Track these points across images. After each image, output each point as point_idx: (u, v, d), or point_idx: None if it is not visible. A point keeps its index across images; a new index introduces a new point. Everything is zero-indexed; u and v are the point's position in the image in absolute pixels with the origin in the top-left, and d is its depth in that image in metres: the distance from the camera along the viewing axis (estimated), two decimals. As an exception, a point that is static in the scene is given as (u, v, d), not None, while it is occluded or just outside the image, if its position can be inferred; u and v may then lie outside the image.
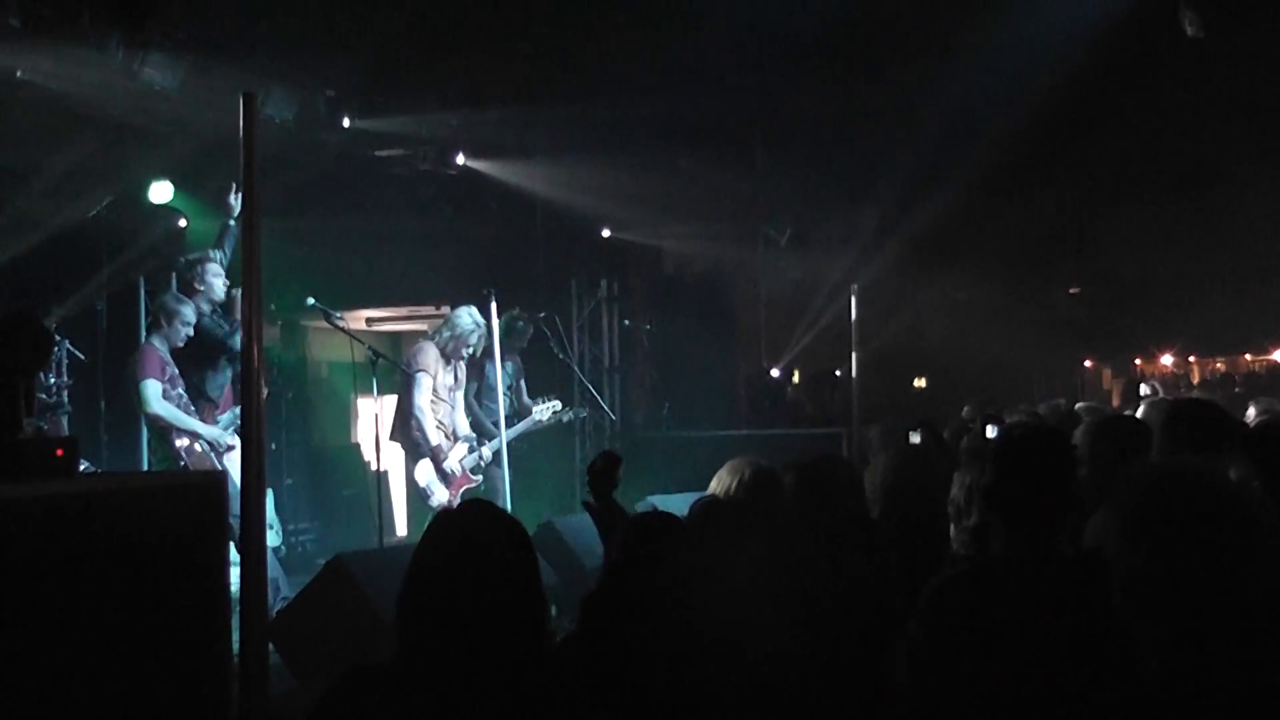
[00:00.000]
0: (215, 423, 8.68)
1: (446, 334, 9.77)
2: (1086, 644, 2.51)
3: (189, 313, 8.70)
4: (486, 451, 9.82)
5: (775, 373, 14.42)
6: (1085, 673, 2.47)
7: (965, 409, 8.84)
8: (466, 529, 2.83)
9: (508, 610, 2.69)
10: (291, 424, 12.51)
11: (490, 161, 12.41)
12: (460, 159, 12.21)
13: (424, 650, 2.67)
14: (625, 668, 3.05)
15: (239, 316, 8.62)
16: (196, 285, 8.85)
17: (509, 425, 9.92)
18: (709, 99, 11.71)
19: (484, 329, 9.75)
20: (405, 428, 9.76)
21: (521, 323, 10.75)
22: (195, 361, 8.77)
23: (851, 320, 9.93)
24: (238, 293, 8.71)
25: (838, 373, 12.94)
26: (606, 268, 14.50)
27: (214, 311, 8.87)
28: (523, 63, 10.91)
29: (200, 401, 8.76)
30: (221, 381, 8.97)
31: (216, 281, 8.90)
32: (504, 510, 3.01)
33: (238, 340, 8.57)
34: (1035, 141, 11.92)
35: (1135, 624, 2.37)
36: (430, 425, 9.58)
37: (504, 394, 9.83)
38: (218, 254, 9.02)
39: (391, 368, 9.97)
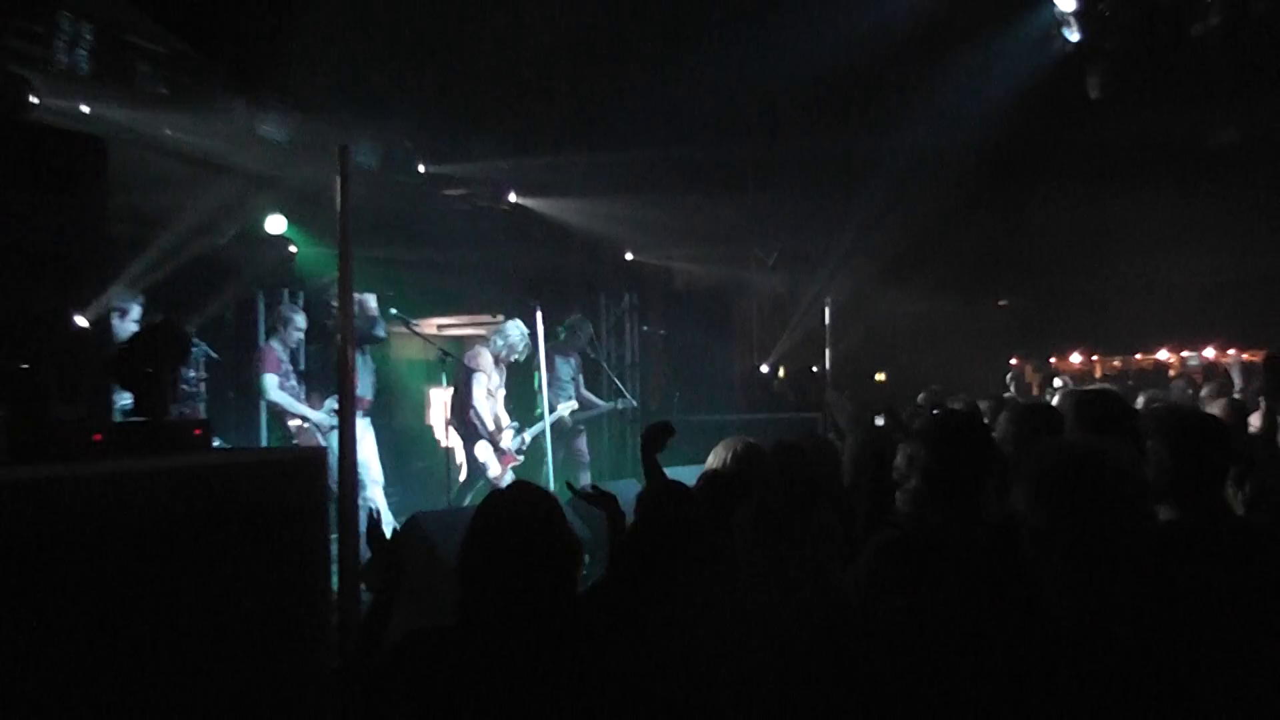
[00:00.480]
0: (320, 408, 8.72)
1: (499, 342, 9.80)
2: (1002, 594, 2.50)
3: (300, 320, 8.74)
4: (528, 435, 9.85)
5: (765, 368, 14.41)
6: (1002, 619, 2.46)
7: (920, 396, 8.84)
8: (509, 506, 2.84)
9: (541, 567, 2.69)
10: (377, 409, 12.48)
11: (535, 198, 12.44)
12: (511, 196, 12.23)
13: (477, 597, 2.69)
14: (645, 608, 3.01)
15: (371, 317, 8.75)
16: (333, 302, 8.91)
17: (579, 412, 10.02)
18: (710, 146, 11.72)
19: (528, 340, 9.79)
20: (464, 416, 9.78)
21: (579, 325, 10.74)
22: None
23: (825, 325, 9.94)
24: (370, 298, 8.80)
25: (814, 368, 12.94)
26: (628, 284, 14.49)
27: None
28: (561, 118, 10.93)
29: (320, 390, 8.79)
30: (366, 379, 8.94)
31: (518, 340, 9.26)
32: (540, 488, 3.02)
33: (380, 331, 8.88)
34: (973, 182, 11.92)
35: (1043, 576, 2.35)
36: (487, 415, 9.62)
37: (569, 383, 9.87)
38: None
39: (455, 365, 10.02)
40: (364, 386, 8.85)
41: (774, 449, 4.64)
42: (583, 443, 10.68)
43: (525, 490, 2.94)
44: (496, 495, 2.92)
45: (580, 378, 10.78)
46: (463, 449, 9.93)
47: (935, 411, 5.62)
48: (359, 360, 8.87)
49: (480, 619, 2.66)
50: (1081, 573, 2.26)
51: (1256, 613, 2.54)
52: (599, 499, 4.34)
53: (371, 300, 8.91)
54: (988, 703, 2.33)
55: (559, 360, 10.10)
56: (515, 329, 9.76)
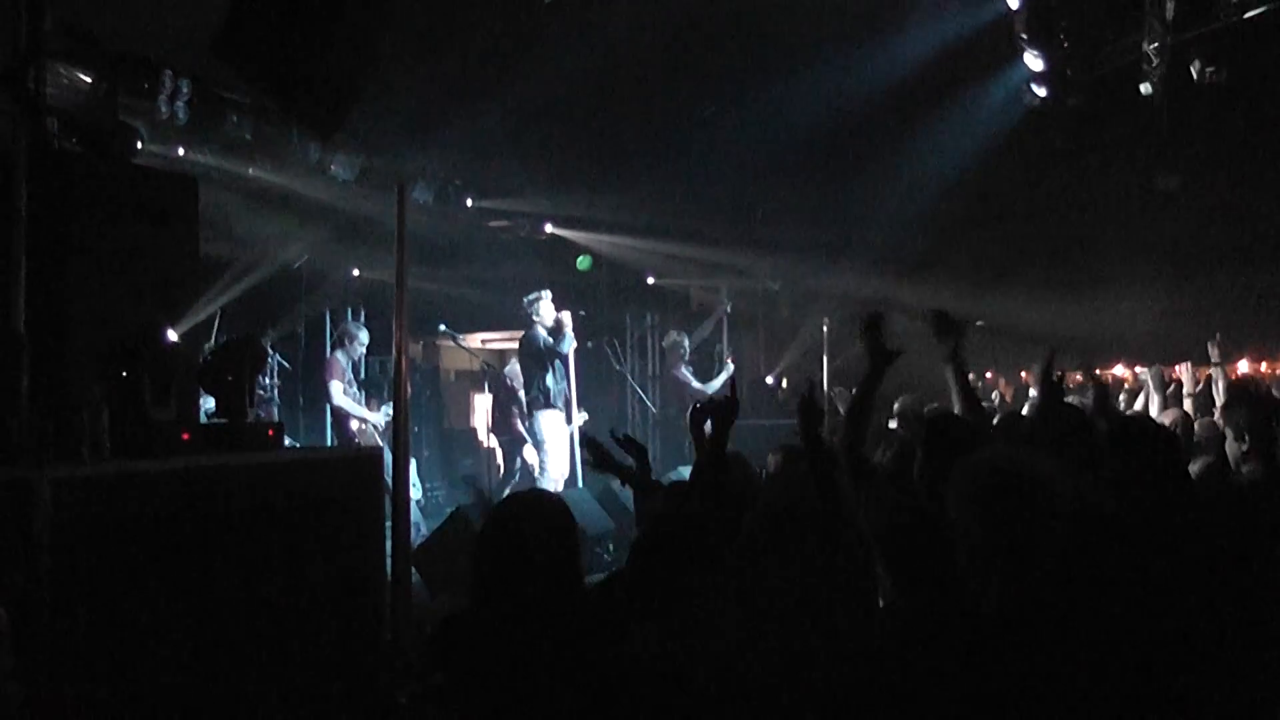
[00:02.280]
0: (378, 412, 8.75)
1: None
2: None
3: (363, 335, 8.75)
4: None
5: (770, 379, 14.41)
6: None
7: (900, 401, 8.86)
8: (514, 509, 2.82)
9: (543, 566, 2.66)
10: (428, 413, 12.60)
11: (570, 230, 12.50)
12: (549, 228, 12.30)
13: (485, 593, 2.68)
14: (655, 601, 2.78)
15: (566, 331, 8.62)
16: (534, 316, 8.86)
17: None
18: (721, 185, 11.74)
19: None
20: (509, 422, 9.75)
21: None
22: (538, 366, 8.73)
23: (824, 341, 9.95)
24: (565, 315, 8.75)
25: (813, 380, 12.88)
26: (650, 304, 14.55)
27: (548, 331, 8.81)
28: (593, 161, 10.99)
29: (539, 399, 8.74)
30: (559, 388, 8.81)
31: (548, 309, 8.92)
32: (546, 494, 2.97)
33: (564, 346, 8.69)
34: (960, 211, 11.99)
35: (972, 574, 2.27)
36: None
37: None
38: (547, 293, 9.00)
39: (498, 375, 10.01)
40: (555, 390, 8.78)
41: (780, 453, 4.46)
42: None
43: (526, 498, 2.91)
44: (504, 503, 2.89)
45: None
46: (502, 453, 9.88)
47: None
48: (554, 367, 8.81)
49: (486, 608, 2.65)
50: (1006, 570, 2.21)
51: (1187, 608, 2.50)
52: (630, 446, 4.14)
53: (566, 317, 8.77)
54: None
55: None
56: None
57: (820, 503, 3.11)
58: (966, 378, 4.17)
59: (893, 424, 6.25)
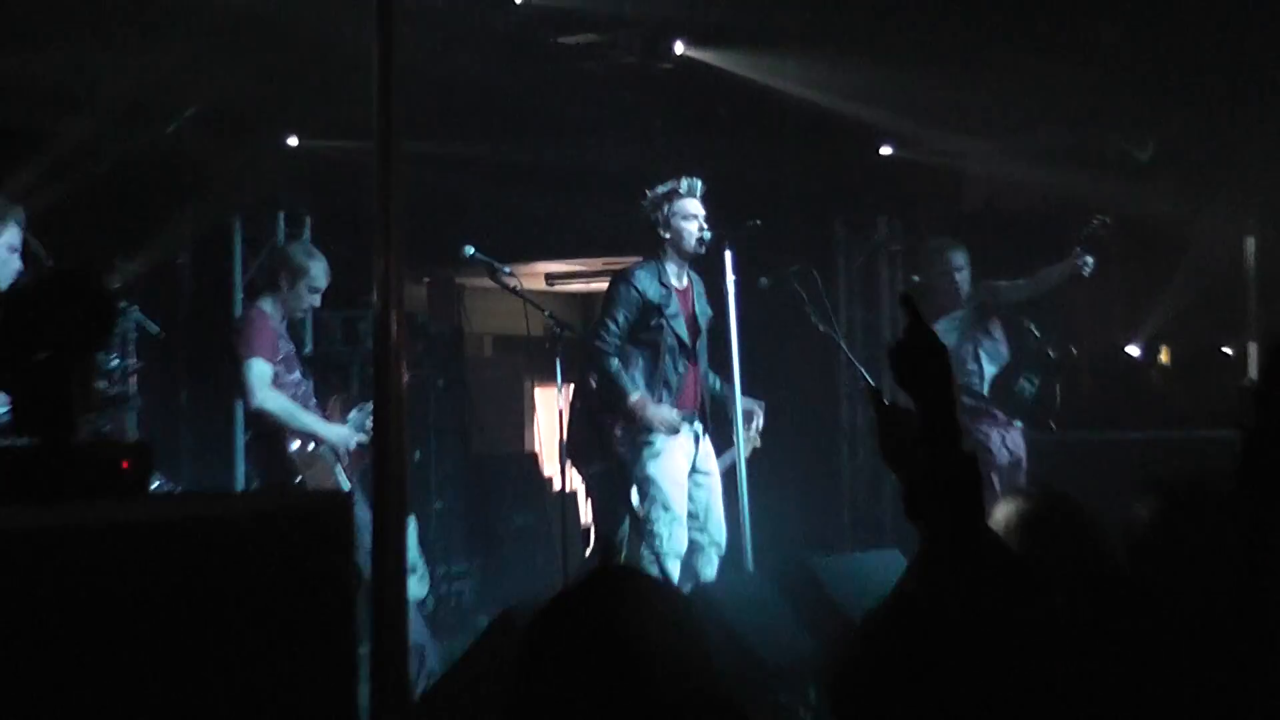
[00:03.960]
0: (338, 417, 8.83)
1: None
2: None
3: (316, 269, 8.82)
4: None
5: (1133, 349, 14.19)
6: None
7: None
8: (587, 616, 3.03)
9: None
10: (443, 425, 12.74)
11: (719, 50, 12.48)
12: (679, 47, 12.26)
13: None
14: None
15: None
16: (663, 231, 9.28)
17: None
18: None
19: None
20: (603, 439, 9.75)
21: (801, 278, 10.72)
22: (649, 334, 9.23)
23: (1249, 275, 9.73)
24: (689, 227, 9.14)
25: (1225, 349, 12.66)
26: (885, 201, 14.41)
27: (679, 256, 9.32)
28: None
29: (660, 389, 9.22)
30: (682, 375, 9.33)
31: (690, 226, 9.31)
32: (655, 584, 3.20)
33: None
34: None
35: None
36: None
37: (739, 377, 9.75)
38: (690, 183, 9.35)
39: (577, 345, 9.96)
40: (678, 380, 9.26)
41: (1150, 490, 4.49)
42: None
43: (633, 589, 3.12)
44: (562, 603, 3.10)
45: None
46: (590, 501, 9.89)
47: None
48: (677, 338, 9.25)
49: None
50: None
51: None
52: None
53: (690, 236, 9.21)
54: None
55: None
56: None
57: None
58: None
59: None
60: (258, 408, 8.61)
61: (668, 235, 9.16)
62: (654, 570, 8.58)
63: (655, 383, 9.12)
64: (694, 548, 9.21)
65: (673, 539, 8.96)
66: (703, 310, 9.51)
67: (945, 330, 10.81)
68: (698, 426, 9.41)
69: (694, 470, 9.34)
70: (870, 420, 12.15)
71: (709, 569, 9.30)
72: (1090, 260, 11.03)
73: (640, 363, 9.15)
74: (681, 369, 9.26)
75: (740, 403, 9.57)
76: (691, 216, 9.20)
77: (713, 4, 11.78)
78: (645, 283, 9.18)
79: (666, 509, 9.04)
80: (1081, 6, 12.13)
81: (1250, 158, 12.88)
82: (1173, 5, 11.03)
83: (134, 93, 10.02)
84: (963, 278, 10.98)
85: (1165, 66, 12.71)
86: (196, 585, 4.31)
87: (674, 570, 8.86)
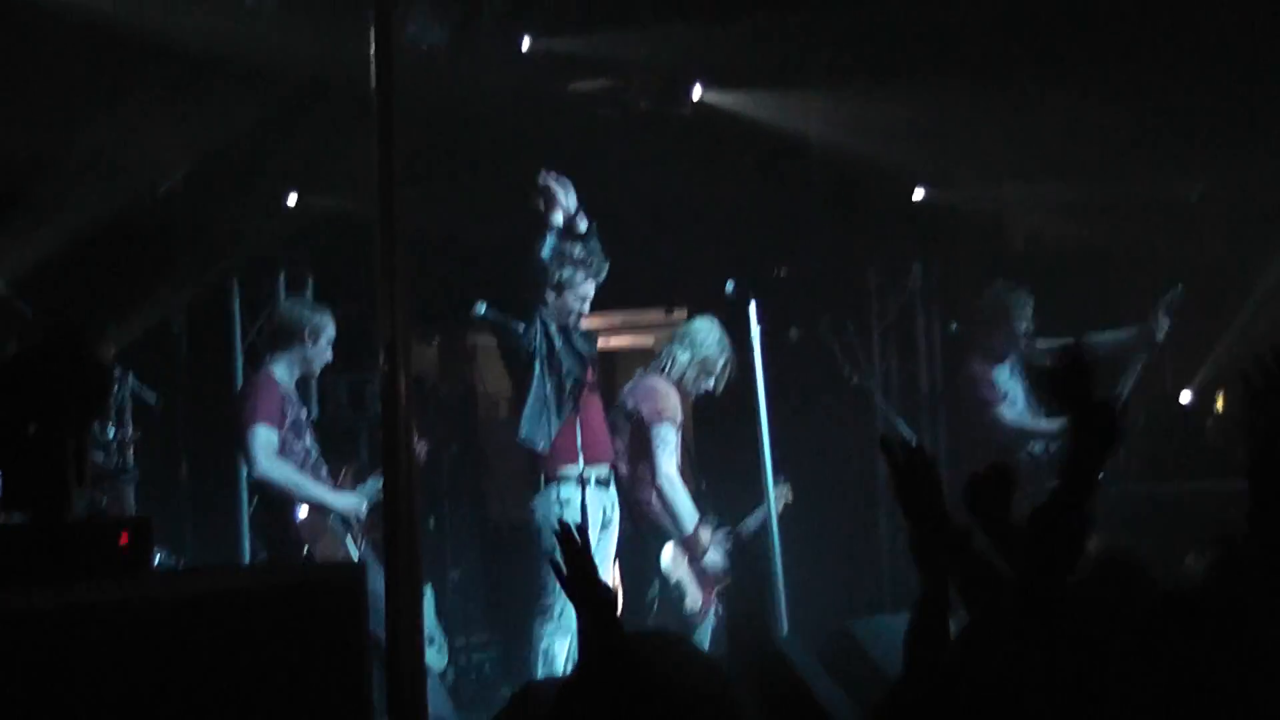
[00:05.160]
0: (349, 484, 8.82)
1: (685, 358, 9.76)
2: None
3: (326, 327, 8.82)
4: (746, 528, 9.80)
5: (1186, 395, 14.12)
6: None
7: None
8: (622, 689, 3.05)
9: None
10: (458, 490, 12.76)
11: (741, 93, 12.51)
12: (697, 92, 12.30)
13: None
14: None
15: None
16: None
17: None
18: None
19: (730, 353, 9.75)
20: (638, 501, 9.77)
21: (832, 330, 10.73)
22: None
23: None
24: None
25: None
26: (922, 245, 14.39)
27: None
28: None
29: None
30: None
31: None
32: (691, 648, 3.24)
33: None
34: None
35: None
36: (683, 498, 9.55)
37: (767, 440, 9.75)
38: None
39: (611, 403, 9.97)
40: None
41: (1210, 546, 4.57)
42: None
43: (671, 654, 3.17)
44: (608, 657, 3.13)
45: None
46: (618, 566, 9.89)
47: None
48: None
49: None
50: None
51: None
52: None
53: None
54: None
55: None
56: (710, 332, 9.70)
57: None
58: None
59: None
60: (261, 477, 8.61)
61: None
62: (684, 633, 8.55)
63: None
64: None
65: (565, 614, 8.90)
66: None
67: (1008, 379, 10.84)
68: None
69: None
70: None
71: None
72: (1166, 324, 11.05)
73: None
74: None
75: (769, 464, 9.58)
76: None
77: (732, 46, 11.80)
78: None
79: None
80: (1119, 44, 12.12)
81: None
82: (1216, 41, 10.99)
83: (125, 150, 10.03)
84: (1021, 324, 10.94)
85: (1214, 103, 12.71)
86: (204, 663, 4.35)
87: (561, 648, 8.84)
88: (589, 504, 8.99)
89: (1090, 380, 4.08)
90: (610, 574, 9.22)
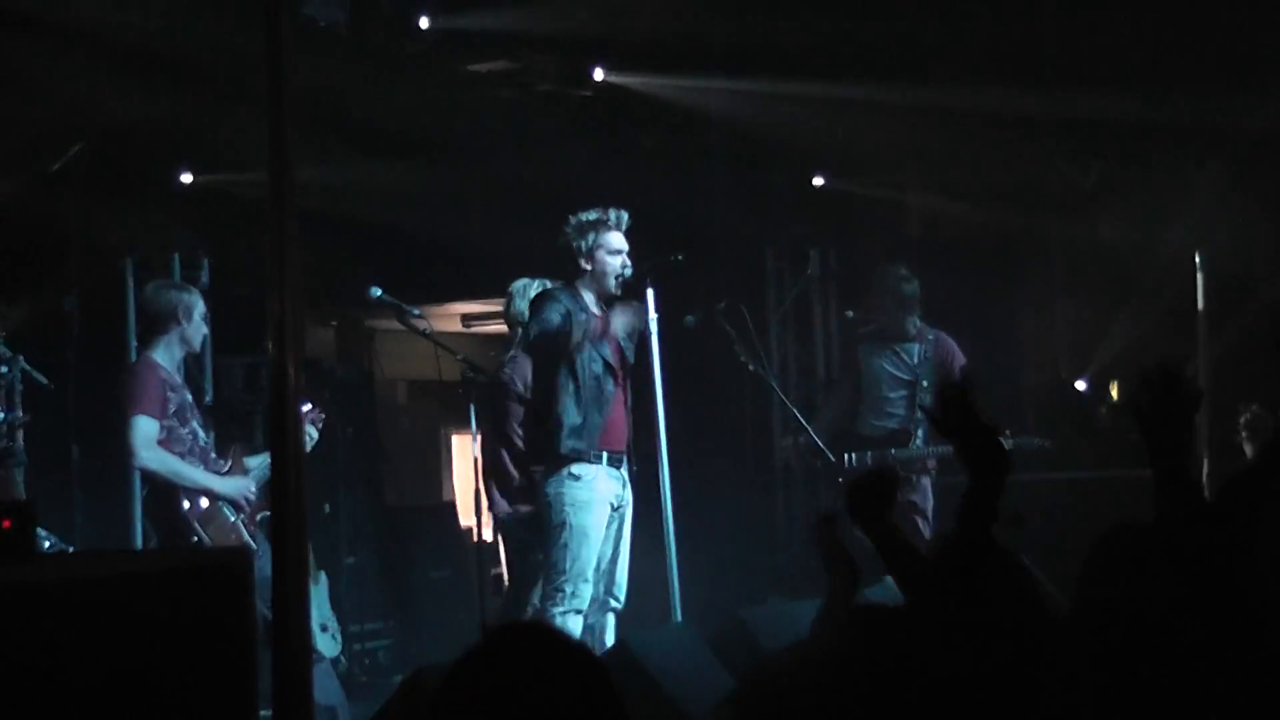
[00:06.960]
0: (238, 468, 8.75)
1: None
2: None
3: (200, 307, 8.76)
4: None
5: (1081, 383, 14.23)
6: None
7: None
8: (500, 679, 2.98)
9: None
10: (352, 475, 12.69)
11: (643, 76, 12.53)
12: (599, 74, 12.29)
13: None
14: None
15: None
16: (584, 262, 9.06)
17: None
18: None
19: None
20: (515, 485, 9.76)
21: (729, 316, 10.71)
22: (558, 369, 9.02)
23: (1198, 304, 9.79)
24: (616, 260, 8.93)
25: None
26: (820, 232, 14.41)
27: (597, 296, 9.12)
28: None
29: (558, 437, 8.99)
30: (601, 416, 9.10)
31: (613, 261, 9.07)
32: (560, 636, 3.16)
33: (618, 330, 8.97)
34: None
35: None
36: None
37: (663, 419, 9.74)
38: (614, 215, 9.14)
39: (491, 392, 9.95)
40: (594, 422, 9.00)
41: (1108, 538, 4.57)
42: None
43: (536, 639, 3.09)
44: (468, 664, 3.04)
45: None
46: (505, 548, 9.90)
47: None
48: (587, 374, 9.05)
49: None
50: None
51: None
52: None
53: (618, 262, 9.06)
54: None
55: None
56: (528, 287, 9.69)
57: None
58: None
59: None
60: (141, 467, 8.54)
61: (589, 267, 9.05)
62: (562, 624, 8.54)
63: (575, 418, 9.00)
64: (595, 606, 9.13)
65: (576, 596, 8.90)
66: (627, 343, 9.39)
67: (894, 364, 10.89)
68: (624, 470, 9.30)
69: (614, 519, 9.27)
70: (809, 465, 12.17)
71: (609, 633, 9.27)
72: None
73: (568, 392, 9.04)
74: (605, 404, 9.14)
75: (664, 448, 9.56)
76: (616, 251, 9.08)
77: (634, 26, 11.79)
78: (559, 307, 9.02)
79: (575, 562, 8.97)
80: (1018, 33, 12.21)
81: (1201, 184, 12.96)
82: (1113, 29, 11.09)
83: (15, 129, 9.94)
84: (911, 307, 10.98)
85: (1110, 88, 12.80)
86: (86, 648, 4.30)
87: (576, 627, 8.82)
88: (603, 486, 9.03)
89: (973, 411, 4.15)
90: (626, 556, 9.21)
